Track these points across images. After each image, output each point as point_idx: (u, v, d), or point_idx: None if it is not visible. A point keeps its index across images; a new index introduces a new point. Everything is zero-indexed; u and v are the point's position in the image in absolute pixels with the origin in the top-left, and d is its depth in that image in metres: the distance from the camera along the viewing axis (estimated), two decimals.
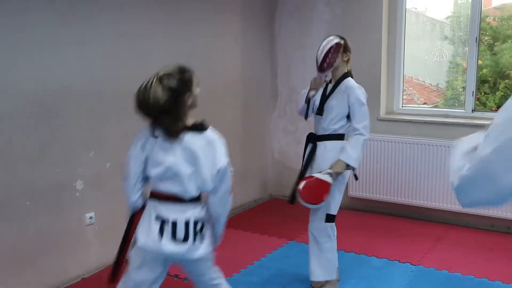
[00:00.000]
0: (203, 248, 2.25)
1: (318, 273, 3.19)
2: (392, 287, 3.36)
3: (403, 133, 4.59)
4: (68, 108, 3.30)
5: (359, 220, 4.58)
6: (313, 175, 3.05)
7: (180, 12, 4.09)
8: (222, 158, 2.21)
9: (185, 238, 2.20)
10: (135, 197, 2.31)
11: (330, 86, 3.14)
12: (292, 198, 3.14)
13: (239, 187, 4.74)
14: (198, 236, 2.23)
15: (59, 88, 3.23)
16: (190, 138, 2.19)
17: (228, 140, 5.08)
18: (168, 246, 2.20)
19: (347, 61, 3.13)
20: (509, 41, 4.87)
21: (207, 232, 2.29)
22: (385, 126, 4.66)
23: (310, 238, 3.22)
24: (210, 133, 2.23)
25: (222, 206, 2.31)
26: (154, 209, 2.24)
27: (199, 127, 2.21)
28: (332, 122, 3.09)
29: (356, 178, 3.31)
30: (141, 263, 2.27)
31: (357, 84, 3.10)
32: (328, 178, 2.97)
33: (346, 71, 3.13)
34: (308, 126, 3.51)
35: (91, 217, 3.52)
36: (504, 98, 4.97)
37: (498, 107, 4.96)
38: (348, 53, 3.12)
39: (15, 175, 3.04)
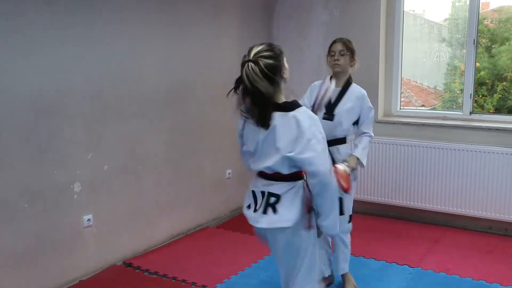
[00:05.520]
0: (265, 221, 2.21)
1: None
2: None
3: (400, 135, 4.59)
4: (66, 109, 3.30)
5: (357, 222, 4.54)
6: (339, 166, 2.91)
7: (178, 14, 4.09)
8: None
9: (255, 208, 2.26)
10: None
11: (336, 91, 3.10)
12: None
13: (238, 189, 4.75)
14: (268, 208, 2.20)
15: (57, 89, 3.23)
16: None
17: (227, 142, 5.05)
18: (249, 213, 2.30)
19: (353, 65, 3.16)
20: (507, 43, 4.88)
21: (281, 207, 2.19)
22: (383, 128, 4.67)
23: None
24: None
25: (320, 194, 2.15)
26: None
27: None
28: (343, 127, 3.11)
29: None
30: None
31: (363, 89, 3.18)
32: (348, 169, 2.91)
33: (349, 75, 3.16)
34: None
35: (89, 219, 3.51)
36: (502, 100, 4.98)
37: (496, 109, 4.98)
38: (354, 57, 3.15)
39: (13, 177, 3.04)
